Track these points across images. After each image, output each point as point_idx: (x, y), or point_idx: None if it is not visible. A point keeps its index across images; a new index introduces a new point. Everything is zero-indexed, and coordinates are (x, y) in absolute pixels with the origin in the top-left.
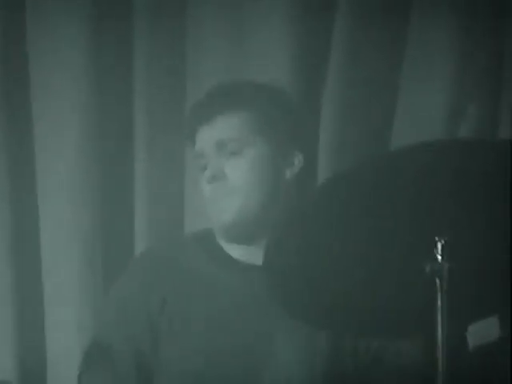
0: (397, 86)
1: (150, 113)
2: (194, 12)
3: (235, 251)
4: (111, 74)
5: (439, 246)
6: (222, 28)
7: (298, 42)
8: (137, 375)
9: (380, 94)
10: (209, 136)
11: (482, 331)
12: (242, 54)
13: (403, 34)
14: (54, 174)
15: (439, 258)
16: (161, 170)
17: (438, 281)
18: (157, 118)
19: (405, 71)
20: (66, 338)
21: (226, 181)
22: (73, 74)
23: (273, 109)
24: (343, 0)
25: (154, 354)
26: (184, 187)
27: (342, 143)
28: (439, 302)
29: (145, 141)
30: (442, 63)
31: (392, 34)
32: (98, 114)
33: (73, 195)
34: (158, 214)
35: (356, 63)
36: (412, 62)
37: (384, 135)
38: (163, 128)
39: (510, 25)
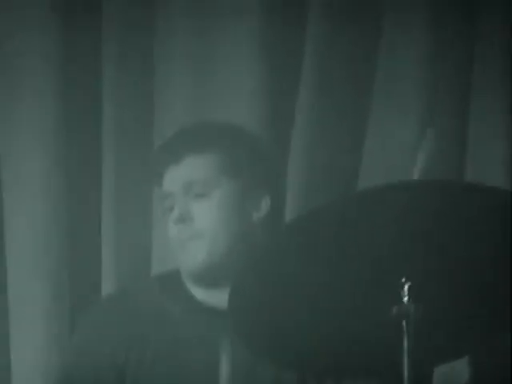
0: (366, 122)
1: (117, 151)
2: (161, 48)
3: (202, 294)
4: (79, 113)
5: (405, 287)
6: (189, 65)
7: (265, 81)
8: None
9: (348, 132)
10: (176, 177)
11: (450, 375)
12: (209, 91)
13: (372, 62)
14: (20, 212)
15: (405, 299)
16: (128, 208)
17: (404, 323)
18: (124, 156)
19: (374, 110)
20: (30, 379)
21: (193, 223)
22: (40, 110)
23: (240, 151)
24: (312, 39)
25: None
26: (152, 226)
27: (310, 184)
28: (405, 344)
29: (112, 180)
30: (413, 94)
31: (360, 64)
32: (64, 150)
33: (39, 234)
34: (125, 252)
35: (325, 101)
36: (382, 95)
37: (353, 175)
38: (130, 167)
39: (483, 47)
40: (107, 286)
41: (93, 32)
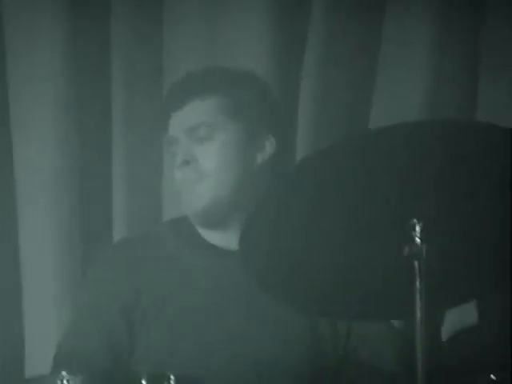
0: (375, 69)
1: (127, 104)
2: (172, 5)
3: (212, 237)
4: (89, 67)
5: (417, 228)
6: (199, 20)
7: (275, 29)
8: (113, 366)
9: (358, 77)
10: (180, 122)
11: (460, 316)
12: (218, 44)
13: (380, 19)
14: (31, 163)
15: (417, 240)
16: (139, 156)
17: (416, 263)
18: (135, 109)
19: (383, 56)
20: (44, 326)
21: (197, 165)
22: (51, 64)
23: (243, 93)
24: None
25: (130, 346)
26: (162, 174)
27: (320, 127)
28: (417, 285)
29: (122, 129)
30: (419, 48)
31: (369, 20)
32: (75, 105)
33: (51, 184)
34: (136, 200)
35: (334, 47)
36: (390, 46)
37: (363, 118)
38: (141, 118)
39: (487, 17)
40: (118, 232)
41: None
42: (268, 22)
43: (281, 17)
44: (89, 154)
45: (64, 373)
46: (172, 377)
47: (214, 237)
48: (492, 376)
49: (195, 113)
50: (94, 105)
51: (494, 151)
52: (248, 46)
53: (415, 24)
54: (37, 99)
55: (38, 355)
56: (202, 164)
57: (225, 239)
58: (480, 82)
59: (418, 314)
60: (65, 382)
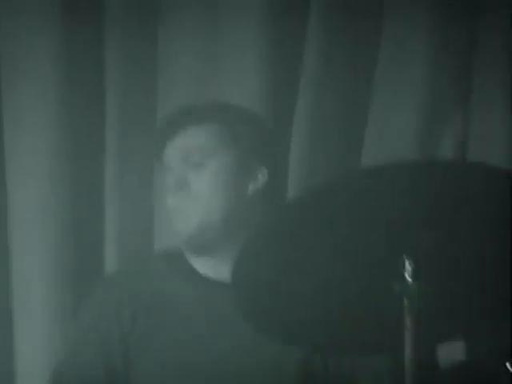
0: (368, 101)
1: (121, 129)
2: (166, 29)
3: (203, 267)
4: (82, 83)
5: (407, 266)
6: (194, 45)
7: (269, 61)
8: None
9: (352, 110)
10: (175, 148)
11: (449, 352)
12: (213, 72)
13: (375, 46)
14: (24, 197)
15: (408, 277)
16: (131, 184)
17: (406, 300)
18: (128, 134)
19: (377, 85)
20: (34, 356)
21: (189, 191)
22: (45, 62)
23: (238, 123)
24: (314, 17)
25: (126, 372)
26: (154, 202)
27: (313, 159)
28: (407, 322)
29: (115, 155)
30: (414, 80)
31: (363, 49)
32: (69, 125)
33: (43, 211)
34: (128, 230)
35: (328, 79)
36: (384, 77)
37: (355, 151)
38: (134, 143)
39: (483, 33)
40: (110, 263)
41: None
42: (264, 47)
43: (276, 45)
44: (80, 182)
45: None
46: None
47: (204, 267)
48: None
49: (190, 139)
50: (87, 127)
51: (487, 193)
52: (242, 76)
53: (411, 42)
54: (29, 96)
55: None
56: (194, 189)
57: (215, 269)
58: (473, 96)
59: (408, 350)
60: None
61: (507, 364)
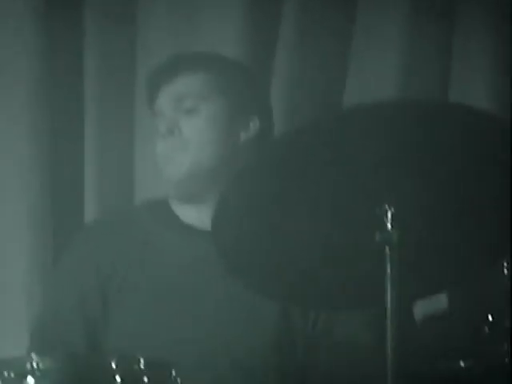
0: (349, 49)
1: (100, 85)
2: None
3: (188, 215)
4: (61, 46)
5: (389, 214)
6: (173, 4)
7: (248, 15)
8: (86, 343)
9: (331, 59)
10: (168, 94)
11: (430, 303)
12: (192, 29)
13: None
14: (2, 146)
15: (389, 226)
16: (111, 139)
17: (387, 249)
18: (107, 81)
19: (356, 40)
20: (14, 308)
21: (181, 136)
22: (23, 48)
23: (230, 72)
24: None
25: (104, 320)
26: (134, 157)
27: (294, 110)
28: (388, 271)
29: (95, 110)
30: (392, 29)
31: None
32: (47, 85)
33: (21, 163)
34: (108, 184)
35: (307, 30)
36: (363, 31)
37: (336, 99)
38: (113, 93)
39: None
40: (90, 212)
41: None
42: (242, 9)
43: (254, 4)
44: (60, 136)
45: (33, 355)
46: (142, 360)
47: (189, 215)
48: (461, 363)
49: (183, 85)
50: (65, 88)
51: (470, 135)
52: (222, 33)
53: (388, 10)
54: (8, 86)
55: (9, 338)
56: (185, 134)
57: (200, 218)
58: (452, 62)
59: (389, 300)
60: (34, 364)
61: (489, 315)
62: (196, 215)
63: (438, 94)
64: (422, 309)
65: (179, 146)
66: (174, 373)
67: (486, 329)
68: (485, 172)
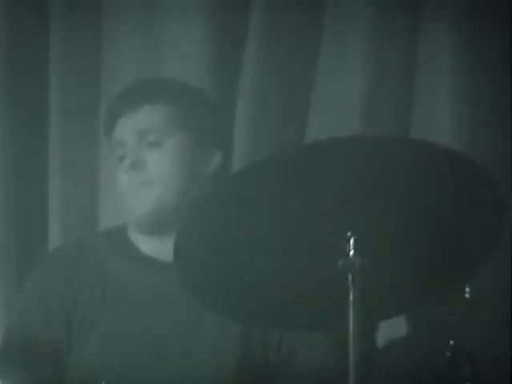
0: (312, 79)
1: (63, 104)
2: (109, 9)
3: (148, 246)
4: (25, 71)
5: (351, 241)
6: (136, 26)
7: (212, 43)
8: (51, 369)
9: (294, 89)
10: (130, 125)
11: (392, 328)
12: (156, 53)
13: (319, 26)
14: None
15: (351, 253)
16: (75, 161)
17: (350, 276)
18: (71, 108)
19: (320, 65)
20: None
21: (145, 170)
22: None
23: (194, 105)
24: None
25: (68, 348)
26: (99, 184)
27: (256, 141)
28: (351, 297)
29: (59, 138)
30: (357, 56)
31: (307, 30)
32: (11, 106)
33: None
34: (72, 205)
35: (270, 60)
36: (327, 55)
37: (299, 130)
38: (77, 127)
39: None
40: (54, 239)
41: None
42: (205, 30)
43: (218, 25)
44: (24, 163)
45: None
46: None
47: (149, 246)
48: None
49: (147, 117)
50: (30, 113)
51: (427, 167)
52: (185, 53)
53: (353, 31)
54: None
55: None
56: (149, 169)
57: (160, 249)
58: (416, 79)
59: (351, 325)
60: None
61: (450, 340)
62: (157, 247)
63: (402, 108)
64: (384, 335)
65: (144, 181)
66: None
67: (448, 354)
68: (445, 200)
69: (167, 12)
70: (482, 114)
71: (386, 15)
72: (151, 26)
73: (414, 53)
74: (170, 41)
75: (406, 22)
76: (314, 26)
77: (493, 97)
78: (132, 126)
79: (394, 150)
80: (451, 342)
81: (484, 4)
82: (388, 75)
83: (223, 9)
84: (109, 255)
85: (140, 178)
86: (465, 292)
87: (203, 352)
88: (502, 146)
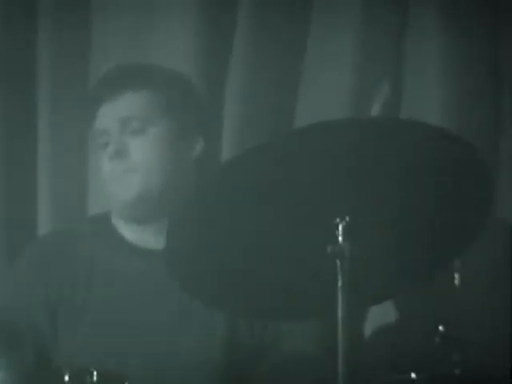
0: (299, 70)
1: (53, 99)
2: (98, 6)
3: (131, 233)
4: (15, 61)
5: (340, 227)
6: (125, 23)
7: (200, 39)
8: (37, 356)
9: (282, 78)
10: (112, 112)
11: (380, 315)
12: (145, 44)
13: (306, 20)
14: None
15: (340, 239)
16: (64, 147)
17: (338, 262)
18: (60, 94)
19: (307, 59)
20: None
21: (128, 157)
22: None
23: (177, 92)
24: None
25: (54, 334)
26: (88, 172)
27: (245, 134)
28: (340, 283)
29: (48, 122)
30: (345, 47)
31: (294, 24)
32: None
33: None
34: (60, 191)
35: (259, 49)
36: (315, 49)
37: (287, 118)
38: (66, 105)
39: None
40: (43, 226)
41: None
42: (194, 23)
43: (207, 19)
44: (14, 145)
45: None
46: (95, 372)
47: (133, 233)
48: (412, 375)
49: (129, 105)
50: (19, 102)
51: (416, 148)
52: (174, 47)
53: (340, 25)
54: None
55: None
56: (133, 156)
57: (144, 237)
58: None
59: (340, 311)
60: None
61: (439, 326)
62: (140, 234)
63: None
64: (372, 321)
65: (127, 168)
66: None
67: (437, 339)
68: (433, 183)
69: (156, 9)
70: (471, 101)
71: (375, 7)
72: (139, 23)
73: (402, 41)
74: (159, 38)
75: (395, 13)
76: (301, 20)
77: (480, 85)
78: (113, 113)
79: (383, 131)
80: (440, 328)
81: None
82: (376, 66)
83: (211, 5)
84: (94, 242)
85: (124, 165)
86: (454, 278)
87: (189, 337)
88: (489, 133)
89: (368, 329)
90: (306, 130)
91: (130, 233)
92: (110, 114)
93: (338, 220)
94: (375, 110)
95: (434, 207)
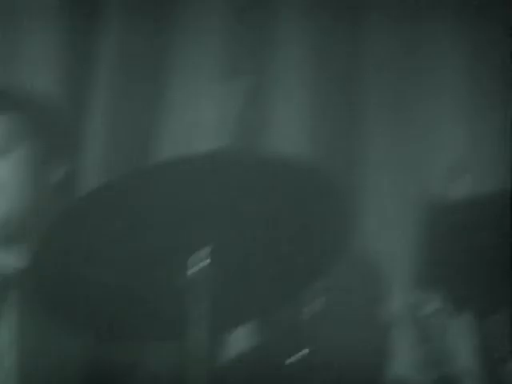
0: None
1: None
2: None
3: None
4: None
5: (206, 251)
6: None
7: (66, 54)
8: None
9: (149, 102)
10: None
11: (241, 338)
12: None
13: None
14: None
15: (204, 262)
16: None
17: (202, 284)
18: None
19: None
20: None
21: None
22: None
23: (42, 115)
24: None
25: None
26: None
27: (110, 154)
28: (204, 306)
29: None
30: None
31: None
32: None
33: None
34: None
35: (123, 77)
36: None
37: (154, 143)
38: None
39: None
40: None
41: None
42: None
43: (72, 39)
44: None
45: None
46: None
47: None
48: None
49: None
50: None
51: (273, 179)
52: (38, 66)
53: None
54: None
55: None
56: None
57: (5, 260)
58: None
59: (202, 335)
60: None
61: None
62: (2, 258)
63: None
64: (233, 347)
65: None
66: None
67: (300, 363)
68: (291, 209)
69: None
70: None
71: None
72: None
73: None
74: (25, 50)
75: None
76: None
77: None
78: None
79: (238, 164)
80: (306, 350)
81: None
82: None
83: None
84: None
85: None
86: (318, 302)
87: (45, 363)
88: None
89: (230, 354)
90: (163, 164)
91: None
92: None
93: (203, 244)
94: None
95: (295, 232)
